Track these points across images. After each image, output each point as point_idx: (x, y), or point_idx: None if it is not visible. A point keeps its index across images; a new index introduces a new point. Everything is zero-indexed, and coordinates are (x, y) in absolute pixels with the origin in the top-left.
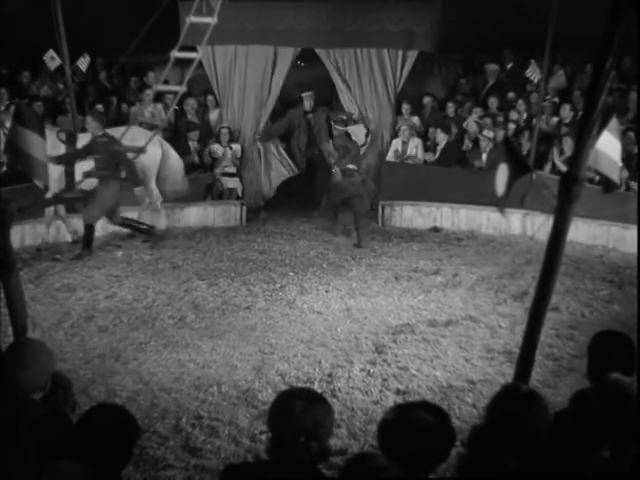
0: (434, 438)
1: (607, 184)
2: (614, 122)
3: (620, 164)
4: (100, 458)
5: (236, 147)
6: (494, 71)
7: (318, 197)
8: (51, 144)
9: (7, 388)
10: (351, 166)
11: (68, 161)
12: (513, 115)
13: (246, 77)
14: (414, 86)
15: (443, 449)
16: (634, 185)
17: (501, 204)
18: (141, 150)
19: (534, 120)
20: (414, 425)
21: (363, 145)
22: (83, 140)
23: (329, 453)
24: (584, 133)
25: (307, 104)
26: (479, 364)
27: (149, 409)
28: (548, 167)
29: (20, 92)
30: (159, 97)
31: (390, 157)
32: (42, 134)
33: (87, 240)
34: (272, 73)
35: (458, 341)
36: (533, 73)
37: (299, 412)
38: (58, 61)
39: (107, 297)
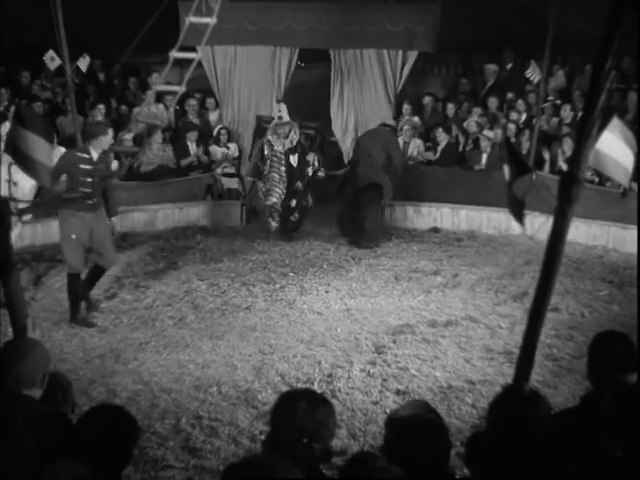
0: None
1: (624, 189)
2: (617, 123)
3: (628, 167)
4: (100, 458)
5: (233, 147)
6: (493, 71)
7: None
8: None
9: (5, 385)
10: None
11: None
12: (513, 115)
13: (246, 78)
14: (414, 86)
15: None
16: (634, 185)
17: (515, 209)
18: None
19: (534, 120)
20: (426, 425)
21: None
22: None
23: (332, 454)
24: (584, 134)
25: None
26: (479, 364)
27: (149, 409)
28: (547, 168)
29: (20, 92)
30: (160, 97)
31: None
32: (46, 137)
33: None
34: (272, 74)
35: (458, 341)
36: (533, 73)
37: (302, 414)
38: (58, 61)
39: (107, 297)
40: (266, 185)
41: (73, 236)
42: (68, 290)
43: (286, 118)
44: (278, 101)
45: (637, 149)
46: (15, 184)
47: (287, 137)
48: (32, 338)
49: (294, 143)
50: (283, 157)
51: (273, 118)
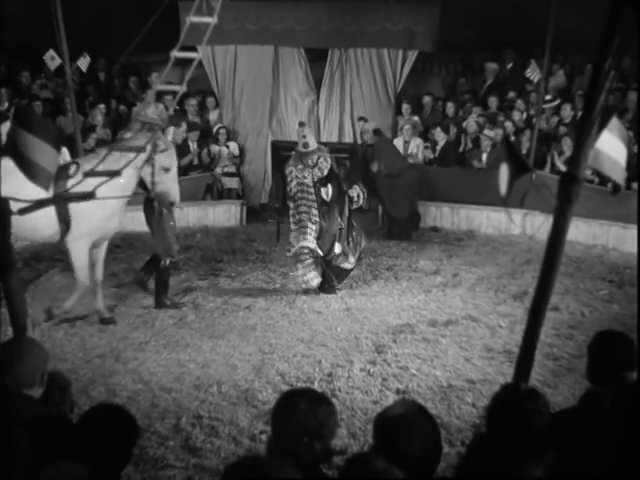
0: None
1: (615, 186)
2: (615, 122)
3: (624, 165)
4: (100, 458)
5: (232, 146)
6: (493, 70)
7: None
8: None
9: (3, 385)
10: None
11: None
12: (516, 115)
13: (246, 77)
14: (414, 86)
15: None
16: (634, 185)
17: (507, 205)
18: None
19: (534, 120)
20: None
21: None
22: None
23: (332, 454)
24: (583, 133)
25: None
26: (479, 364)
27: (149, 409)
28: (547, 168)
29: (20, 92)
30: (159, 97)
31: None
32: (52, 142)
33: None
34: (273, 73)
35: (458, 341)
36: (533, 73)
37: (303, 412)
38: (58, 61)
39: (107, 297)
40: (296, 228)
41: (172, 223)
42: (163, 277)
43: (313, 145)
44: (301, 124)
45: (636, 150)
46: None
47: (315, 166)
48: (30, 337)
49: (325, 173)
50: (313, 190)
51: (295, 143)
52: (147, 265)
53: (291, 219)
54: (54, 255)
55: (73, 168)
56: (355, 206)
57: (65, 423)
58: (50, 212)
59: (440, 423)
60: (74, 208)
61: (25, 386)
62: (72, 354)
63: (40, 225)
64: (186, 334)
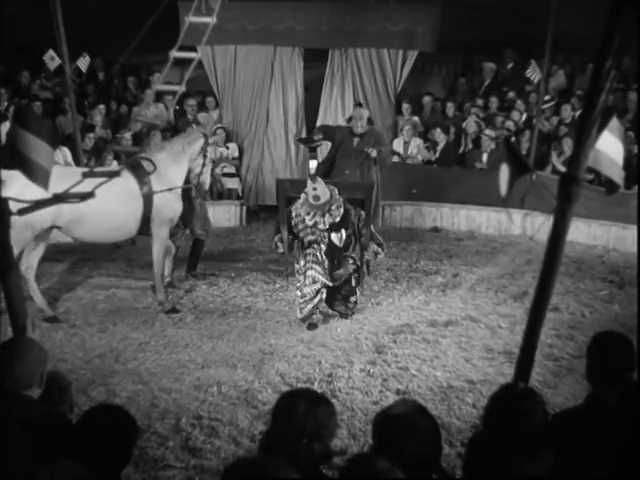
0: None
1: (610, 186)
2: (615, 122)
3: (622, 165)
4: (99, 458)
5: (232, 147)
6: (490, 70)
7: None
8: None
9: (2, 385)
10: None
11: None
12: (515, 115)
13: (246, 77)
14: (414, 86)
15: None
16: (634, 185)
17: (506, 205)
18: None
19: (534, 120)
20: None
21: None
22: None
23: (332, 455)
24: (584, 133)
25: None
26: (479, 364)
27: (149, 409)
28: (549, 169)
29: (20, 92)
30: (159, 97)
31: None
32: (48, 140)
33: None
34: (272, 73)
35: (458, 341)
36: (533, 73)
37: (302, 413)
38: (58, 61)
39: (107, 297)
40: (302, 271)
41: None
42: (199, 250)
43: (325, 198)
44: (312, 178)
45: (636, 150)
46: None
47: (326, 214)
48: (29, 337)
49: (337, 220)
50: (326, 235)
51: (303, 182)
52: (191, 258)
53: (298, 259)
54: (54, 255)
55: (150, 166)
56: (375, 257)
57: (65, 423)
58: (137, 208)
59: (440, 424)
60: (156, 202)
61: (24, 387)
62: (72, 354)
63: (129, 220)
64: (186, 334)
